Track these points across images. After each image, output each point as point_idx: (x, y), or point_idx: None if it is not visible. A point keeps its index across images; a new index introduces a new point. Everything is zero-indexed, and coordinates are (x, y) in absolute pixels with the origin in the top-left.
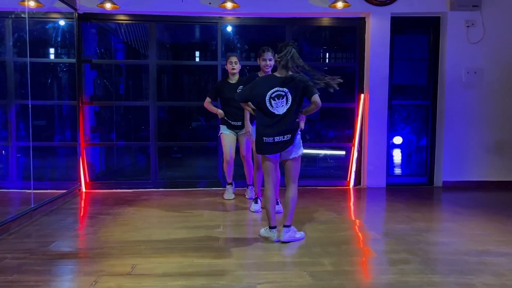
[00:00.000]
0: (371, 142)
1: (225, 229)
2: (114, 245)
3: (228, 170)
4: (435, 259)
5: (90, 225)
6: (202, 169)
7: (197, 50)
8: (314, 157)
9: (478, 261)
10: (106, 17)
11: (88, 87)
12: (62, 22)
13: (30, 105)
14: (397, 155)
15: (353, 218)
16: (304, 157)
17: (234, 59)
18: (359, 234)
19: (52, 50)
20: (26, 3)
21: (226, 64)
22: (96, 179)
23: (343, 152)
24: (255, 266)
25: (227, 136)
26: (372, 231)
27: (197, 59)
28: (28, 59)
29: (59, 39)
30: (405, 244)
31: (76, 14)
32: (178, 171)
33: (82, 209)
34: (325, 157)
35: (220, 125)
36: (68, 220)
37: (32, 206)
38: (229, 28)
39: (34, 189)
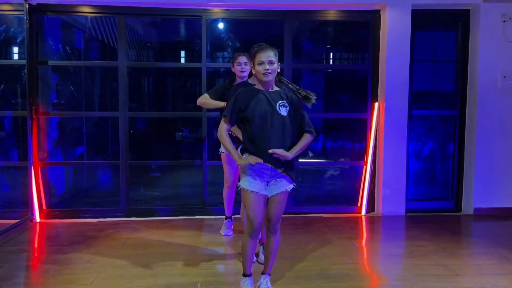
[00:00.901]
0: (388, 160)
1: (209, 280)
2: None
3: (229, 200)
4: None
5: (25, 284)
6: (184, 191)
7: (183, 50)
8: (318, 175)
9: None
10: (65, 9)
11: (49, 94)
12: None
13: None
14: (417, 175)
15: (372, 270)
16: (307, 175)
17: (243, 59)
18: None
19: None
20: None
21: (233, 66)
22: (55, 205)
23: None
24: None
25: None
26: None
27: (183, 60)
28: None
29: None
30: None
31: (27, 6)
32: (156, 194)
33: (25, 252)
34: (332, 176)
35: None
36: (4, 269)
37: None
38: (220, 25)
39: None
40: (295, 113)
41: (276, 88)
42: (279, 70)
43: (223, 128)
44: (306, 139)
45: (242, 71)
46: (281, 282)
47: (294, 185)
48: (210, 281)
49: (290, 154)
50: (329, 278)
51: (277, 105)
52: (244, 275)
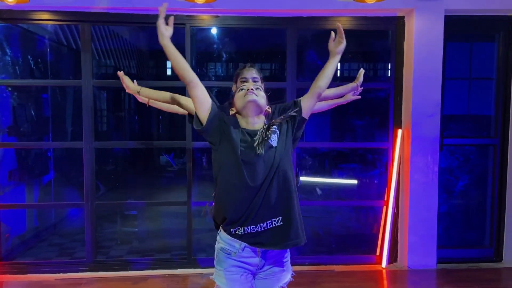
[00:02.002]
0: (414, 199)
1: None
2: None
3: None
4: None
5: None
6: (165, 237)
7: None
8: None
9: None
10: (17, 15)
11: (3, 117)
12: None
13: None
14: (448, 216)
15: None
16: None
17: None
18: None
19: None
20: None
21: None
22: (8, 255)
23: (355, 181)
24: None
25: None
26: None
27: (169, 71)
28: None
29: None
30: None
31: None
32: (130, 239)
33: None
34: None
35: None
36: None
37: None
38: (208, 34)
39: None
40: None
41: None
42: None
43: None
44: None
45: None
46: None
47: (292, 274)
48: None
49: None
50: None
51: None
52: None
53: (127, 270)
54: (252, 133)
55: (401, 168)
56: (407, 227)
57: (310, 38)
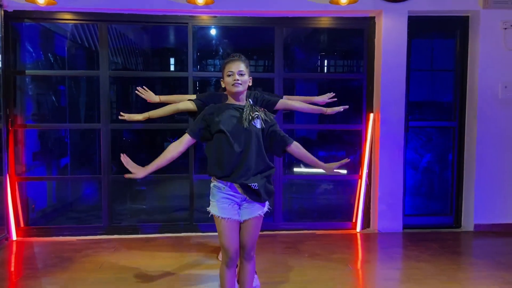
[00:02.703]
0: (384, 173)
1: None
2: None
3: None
4: None
5: None
6: (171, 207)
7: (173, 57)
8: (310, 188)
9: None
10: (43, 15)
11: (28, 105)
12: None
13: None
14: (414, 188)
15: None
16: (300, 188)
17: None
18: None
19: None
20: None
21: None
22: (34, 222)
23: (345, 171)
24: None
25: None
26: None
27: (172, 68)
28: None
29: None
30: None
31: (2, 12)
32: (141, 209)
33: (1, 272)
34: (326, 190)
35: None
36: None
37: None
38: (211, 31)
39: None
40: (269, 126)
41: (247, 102)
42: (250, 84)
43: (180, 142)
44: (299, 147)
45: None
46: None
47: (268, 209)
48: None
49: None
50: None
51: (250, 118)
52: None
53: (138, 234)
54: (239, 107)
55: (373, 147)
56: (377, 197)
57: (295, 35)
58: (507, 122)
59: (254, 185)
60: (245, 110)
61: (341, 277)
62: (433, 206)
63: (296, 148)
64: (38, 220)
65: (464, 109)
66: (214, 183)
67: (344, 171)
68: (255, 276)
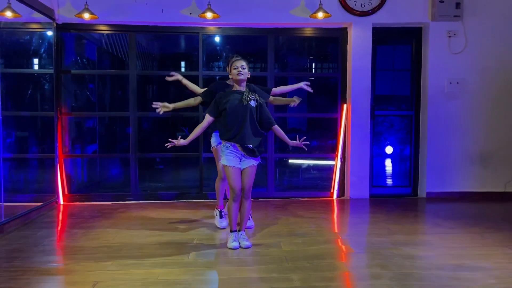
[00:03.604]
0: (354, 152)
1: (198, 243)
2: (81, 261)
3: (222, 191)
4: (407, 274)
5: (60, 240)
6: (184, 181)
7: (183, 60)
8: (298, 168)
9: (451, 276)
10: (85, 27)
11: (69, 98)
12: (49, 33)
13: (0, 117)
14: (381, 165)
15: (331, 231)
16: (288, 167)
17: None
18: (335, 248)
19: (35, 61)
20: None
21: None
22: (75, 191)
23: (333, 162)
24: (221, 283)
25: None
26: (349, 244)
27: (183, 69)
28: None
29: (42, 50)
30: (380, 258)
31: (55, 24)
32: (160, 183)
33: (55, 223)
34: (309, 167)
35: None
36: (39, 235)
37: (3, 220)
38: (214, 40)
39: (8, 202)
40: (260, 106)
41: (246, 89)
42: (249, 76)
43: (204, 121)
44: (279, 129)
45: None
46: (257, 237)
47: (259, 162)
48: (203, 238)
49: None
50: (295, 235)
51: (248, 99)
52: (232, 230)
53: (159, 200)
54: (240, 92)
55: (346, 131)
56: (349, 171)
57: (285, 42)
58: (451, 111)
59: (250, 146)
60: (244, 93)
61: (315, 221)
62: (395, 180)
63: (277, 129)
64: (78, 190)
65: (419, 100)
66: (223, 143)
67: (305, 148)
68: (251, 219)
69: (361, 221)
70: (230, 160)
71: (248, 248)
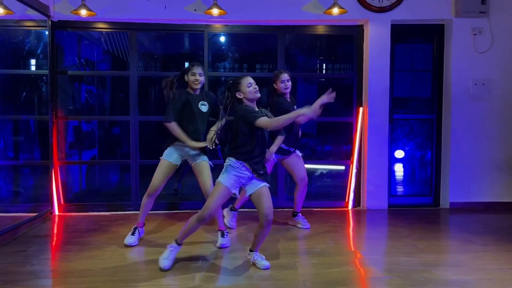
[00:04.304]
0: (371, 159)
1: (204, 264)
2: (70, 285)
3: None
4: None
5: (52, 259)
6: (188, 189)
7: (187, 61)
8: (309, 175)
9: None
10: (83, 25)
11: (66, 101)
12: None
13: None
14: (399, 173)
15: (351, 248)
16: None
17: (286, 76)
18: (358, 270)
19: (32, 61)
20: None
21: (275, 83)
22: (72, 200)
23: (343, 167)
24: None
25: None
26: (373, 265)
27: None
28: None
29: (38, 50)
30: (412, 284)
31: (50, 22)
32: (163, 191)
33: (49, 237)
34: (322, 174)
35: None
36: (29, 252)
37: None
38: (221, 38)
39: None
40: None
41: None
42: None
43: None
44: None
45: (286, 88)
46: (270, 256)
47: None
48: (209, 257)
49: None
50: (312, 254)
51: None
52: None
53: (161, 210)
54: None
55: (362, 136)
56: (366, 180)
57: (295, 41)
58: (476, 114)
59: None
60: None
61: (332, 237)
62: (415, 189)
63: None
64: (74, 199)
65: (440, 103)
66: (229, 162)
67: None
68: (226, 236)
69: (382, 236)
70: (229, 180)
71: (267, 269)
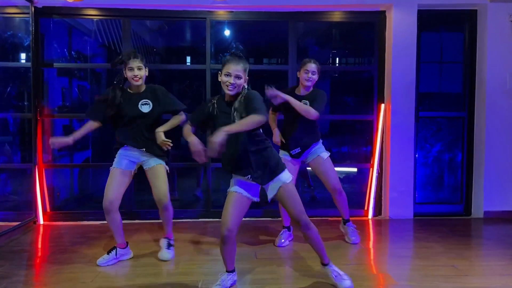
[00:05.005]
0: (395, 162)
1: (205, 286)
2: None
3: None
4: None
5: (26, 281)
6: (189, 195)
7: (189, 53)
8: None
9: None
10: (70, 11)
11: (55, 97)
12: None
13: None
14: (425, 178)
15: (379, 270)
16: (312, 178)
17: (312, 67)
18: None
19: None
20: None
21: (299, 72)
22: (59, 208)
23: (355, 169)
24: None
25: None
26: None
27: (188, 64)
28: None
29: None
30: None
31: (33, 8)
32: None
33: (27, 252)
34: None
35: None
36: (1, 271)
37: None
38: (224, 27)
39: None
40: None
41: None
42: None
43: None
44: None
45: (307, 80)
46: (286, 279)
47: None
48: (212, 278)
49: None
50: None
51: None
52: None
53: (158, 219)
54: None
55: (384, 137)
56: (388, 185)
57: (308, 29)
58: None
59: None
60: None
61: (353, 254)
62: (443, 195)
63: None
64: (62, 206)
65: (473, 99)
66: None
67: None
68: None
69: (412, 253)
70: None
71: None
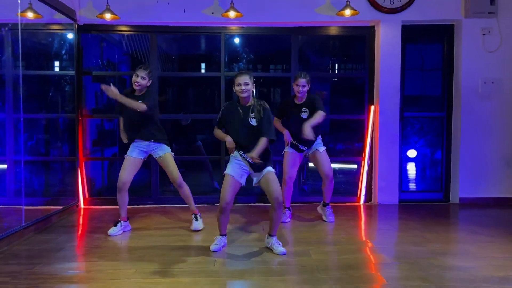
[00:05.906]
0: (382, 156)
1: (224, 250)
2: (102, 268)
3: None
4: (451, 287)
5: (81, 245)
6: (206, 185)
7: (203, 62)
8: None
9: None
10: (107, 28)
11: (90, 100)
12: (70, 35)
13: (22, 119)
14: (410, 169)
15: (362, 238)
16: (311, 171)
17: (302, 82)
18: (369, 257)
19: (56, 63)
20: (19, 14)
21: (293, 85)
22: (96, 194)
23: (355, 166)
24: None
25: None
26: (383, 253)
27: (203, 71)
28: (20, 72)
29: (63, 51)
30: (419, 269)
31: (76, 26)
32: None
33: (76, 227)
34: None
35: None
36: (59, 239)
37: (23, 224)
38: (236, 40)
39: (29, 205)
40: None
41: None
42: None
43: None
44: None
45: (298, 92)
46: (285, 244)
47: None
48: (228, 244)
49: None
50: (325, 243)
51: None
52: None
53: (180, 204)
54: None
55: (373, 133)
56: (377, 175)
57: (309, 42)
58: (486, 112)
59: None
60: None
61: (343, 228)
62: (426, 185)
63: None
64: (98, 193)
65: (451, 101)
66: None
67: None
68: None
69: (392, 228)
70: (232, 168)
71: (283, 255)
